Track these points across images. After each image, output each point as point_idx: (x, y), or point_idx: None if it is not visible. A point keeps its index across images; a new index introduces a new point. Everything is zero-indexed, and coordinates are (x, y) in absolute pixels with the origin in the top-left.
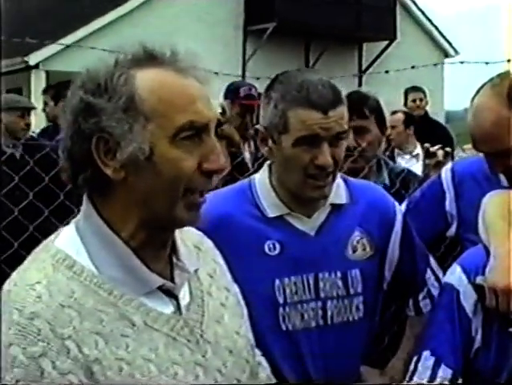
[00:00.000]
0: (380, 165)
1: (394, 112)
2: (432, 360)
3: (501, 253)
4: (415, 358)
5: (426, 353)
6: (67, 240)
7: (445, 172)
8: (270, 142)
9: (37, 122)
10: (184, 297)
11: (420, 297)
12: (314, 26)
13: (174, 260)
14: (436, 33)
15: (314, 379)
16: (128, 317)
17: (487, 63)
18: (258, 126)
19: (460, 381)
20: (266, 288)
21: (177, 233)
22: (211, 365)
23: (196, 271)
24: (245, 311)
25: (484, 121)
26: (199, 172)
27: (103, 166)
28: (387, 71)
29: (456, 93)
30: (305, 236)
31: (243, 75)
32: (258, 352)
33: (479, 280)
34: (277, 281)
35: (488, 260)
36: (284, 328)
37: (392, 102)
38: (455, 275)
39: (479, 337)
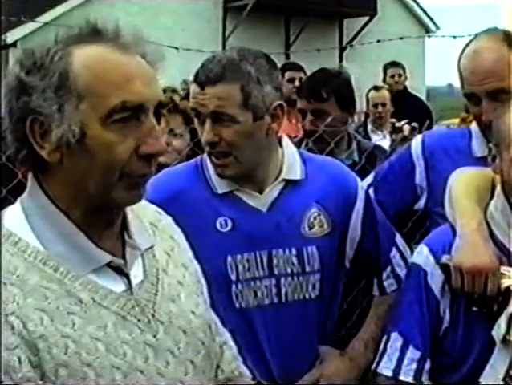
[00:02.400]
0: (350, 142)
1: (376, 88)
2: (400, 341)
3: (466, 233)
4: (384, 339)
5: (395, 334)
6: (12, 217)
7: (415, 144)
8: None
9: None
10: (136, 275)
11: (384, 276)
12: (294, 3)
13: (126, 237)
14: (416, 8)
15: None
16: (75, 294)
17: (454, 37)
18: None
19: (428, 361)
20: (218, 265)
21: (129, 209)
22: (162, 346)
23: (151, 248)
24: (205, 289)
25: (486, 59)
26: (136, 156)
27: (39, 148)
28: (378, 41)
29: (438, 69)
30: (257, 212)
31: None
32: (224, 330)
33: (445, 259)
34: (229, 258)
35: (454, 239)
36: (238, 306)
37: (373, 77)
38: (422, 255)
39: (447, 317)
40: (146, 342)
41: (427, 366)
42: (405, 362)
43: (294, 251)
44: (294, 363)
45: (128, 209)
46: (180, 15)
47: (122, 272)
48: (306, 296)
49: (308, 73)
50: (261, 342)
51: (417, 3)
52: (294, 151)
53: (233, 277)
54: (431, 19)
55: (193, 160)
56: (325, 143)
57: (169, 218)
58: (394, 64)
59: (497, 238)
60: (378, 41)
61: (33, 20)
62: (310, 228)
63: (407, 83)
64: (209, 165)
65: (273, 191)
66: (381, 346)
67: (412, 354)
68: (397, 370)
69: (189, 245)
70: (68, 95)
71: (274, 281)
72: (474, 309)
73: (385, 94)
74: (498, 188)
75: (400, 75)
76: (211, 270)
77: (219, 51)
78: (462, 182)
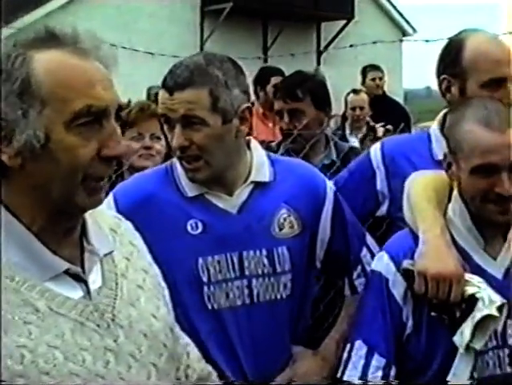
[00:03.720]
0: (327, 143)
1: (355, 91)
2: (364, 349)
3: (430, 238)
4: (348, 347)
5: (359, 342)
6: None
7: (374, 151)
8: None
9: None
10: (95, 280)
11: (355, 275)
12: (272, 6)
13: (84, 244)
14: (393, 12)
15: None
16: (31, 303)
17: (427, 41)
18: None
19: (393, 368)
20: (189, 267)
21: (89, 215)
22: (123, 350)
23: (110, 254)
24: (166, 292)
25: (500, 46)
26: (98, 159)
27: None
28: (351, 45)
29: (415, 71)
30: (227, 214)
31: None
32: (182, 334)
33: (406, 264)
34: (200, 260)
35: (415, 245)
36: (210, 307)
37: (350, 80)
38: (382, 263)
39: (410, 323)
40: (106, 347)
41: (392, 372)
42: (371, 369)
43: (264, 252)
44: (267, 363)
45: (87, 215)
46: (158, 19)
47: (80, 278)
48: (278, 296)
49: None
50: (234, 343)
51: (394, 7)
52: (262, 154)
53: (205, 279)
54: (407, 22)
55: (163, 165)
56: (302, 144)
57: (129, 223)
58: (374, 67)
59: (458, 244)
60: (351, 45)
61: (7, 26)
62: (281, 230)
63: (385, 87)
64: (179, 169)
65: (242, 193)
66: (345, 354)
67: (378, 361)
68: (364, 377)
69: (159, 248)
70: (32, 100)
71: (245, 282)
72: (433, 314)
73: (364, 97)
74: (455, 192)
75: (380, 78)
76: (183, 272)
77: (186, 57)
78: (420, 185)
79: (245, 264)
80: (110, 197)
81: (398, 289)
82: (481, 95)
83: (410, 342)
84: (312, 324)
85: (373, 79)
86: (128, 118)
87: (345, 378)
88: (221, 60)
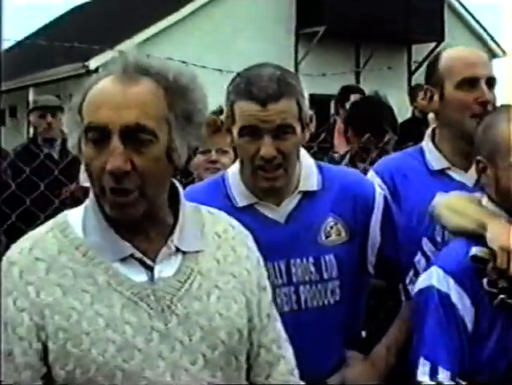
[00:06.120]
0: None
1: None
2: (428, 366)
3: (493, 224)
4: (417, 368)
5: (421, 359)
6: (74, 211)
7: (371, 177)
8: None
9: None
10: (162, 270)
11: (407, 280)
12: (364, 29)
13: (168, 241)
14: (484, 34)
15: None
16: (93, 276)
17: None
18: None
19: (458, 380)
20: None
21: (182, 217)
22: (171, 334)
23: (195, 252)
24: (256, 300)
25: (473, 52)
26: (106, 172)
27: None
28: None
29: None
30: (275, 224)
31: None
32: (288, 346)
33: (477, 251)
34: None
35: (468, 247)
36: None
37: None
38: (439, 278)
39: (473, 328)
40: (153, 327)
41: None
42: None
43: (311, 259)
44: (315, 367)
45: (188, 219)
46: (254, 42)
47: (148, 266)
48: (326, 302)
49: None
50: None
51: (484, 29)
52: (311, 163)
53: None
54: (497, 44)
55: (213, 177)
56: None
57: (245, 234)
58: (423, 87)
59: None
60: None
61: (113, 48)
62: (327, 237)
63: None
64: (231, 181)
65: (290, 203)
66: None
67: (443, 374)
68: None
69: None
70: (80, 115)
71: (292, 288)
72: (503, 297)
73: (431, 116)
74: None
75: None
76: None
77: (260, 68)
78: (454, 198)
79: (293, 271)
80: None
81: (463, 302)
82: (456, 97)
83: (478, 345)
84: (372, 331)
85: (423, 98)
86: None
87: None
88: (290, 71)
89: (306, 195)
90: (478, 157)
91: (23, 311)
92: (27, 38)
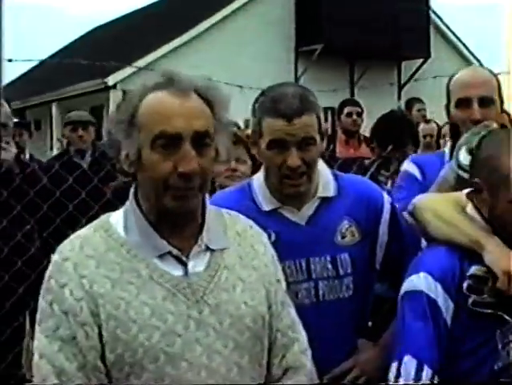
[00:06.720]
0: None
1: (427, 121)
2: (414, 363)
3: (489, 243)
4: (395, 364)
5: (408, 357)
6: (116, 213)
7: (409, 166)
8: (256, 145)
9: None
10: (195, 266)
11: None
12: (358, 47)
13: (199, 239)
14: (465, 50)
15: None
16: (137, 270)
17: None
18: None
19: (436, 377)
20: None
21: (216, 219)
22: (205, 321)
23: (221, 250)
24: (273, 290)
25: (473, 72)
26: (175, 174)
27: (122, 164)
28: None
29: None
30: (297, 226)
31: None
32: (301, 330)
33: (476, 270)
34: None
35: (458, 261)
36: None
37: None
38: (428, 284)
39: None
40: (190, 315)
41: (435, 380)
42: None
43: (328, 258)
44: (333, 353)
45: (212, 220)
46: (257, 59)
47: (183, 262)
48: (341, 296)
49: (370, 108)
50: None
51: (466, 47)
52: (328, 171)
53: None
54: (478, 60)
55: (239, 185)
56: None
57: (260, 233)
58: (418, 100)
59: None
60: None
61: (130, 65)
62: (343, 238)
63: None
64: (257, 187)
65: (310, 207)
66: (393, 372)
67: (427, 373)
68: None
69: None
70: (133, 127)
71: (312, 284)
72: (490, 312)
73: (433, 126)
74: (471, 212)
75: (424, 110)
76: None
77: (282, 87)
78: (443, 202)
79: (312, 268)
80: None
81: (447, 306)
82: (456, 115)
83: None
84: (377, 322)
85: (419, 110)
86: None
87: None
88: (309, 89)
89: (324, 200)
90: (476, 179)
91: (81, 300)
92: (50, 57)
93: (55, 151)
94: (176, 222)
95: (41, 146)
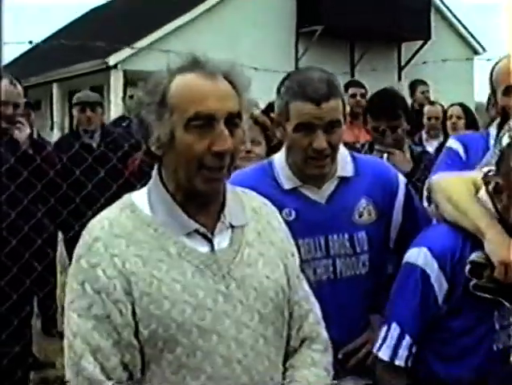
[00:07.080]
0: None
1: (431, 103)
2: (398, 330)
3: (493, 233)
4: (385, 327)
5: (394, 324)
6: (138, 193)
7: (453, 143)
8: (280, 127)
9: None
10: (220, 242)
11: None
12: (358, 29)
13: (221, 216)
14: (465, 33)
15: None
16: (166, 248)
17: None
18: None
19: (414, 347)
20: None
21: (233, 197)
22: (232, 295)
23: (241, 226)
24: (290, 264)
25: None
26: (210, 153)
27: (150, 145)
28: (424, 62)
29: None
30: (316, 204)
31: None
32: (314, 301)
33: (476, 257)
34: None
35: (459, 242)
36: None
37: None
38: (425, 259)
39: (445, 308)
40: (218, 289)
41: (413, 350)
42: (401, 349)
43: (346, 236)
44: (349, 327)
45: (231, 198)
46: (258, 41)
47: (209, 239)
48: (357, 272)
49: (369, 89)
50: (321, 311)
51: (466, 28)
52: (346, 152)
53: None
54: (478, 42)
55: (260, 163)
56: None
57: (274, 210)
58: (421, 82)
59: None
60: (424, 62)
61: (130, 45)
62: (360, 217)
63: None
64: (278, 166)
65: (329, 187)
66: (382, 333)
67: (407, 342)
68: (393, 356)
69: None
70: (165, 109)
71: (330, 261)
72: (487, 296)
73: (438, 108)
74: (482, 193)
75: (428, 91)
76: None
77: (309, 71)
78: (456, 185)
79: (330, 245)
80: None
81: (440, 283)
82: (502, 103)
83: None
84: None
85: (422, 92)
86: None
87: (380, 355)
88: (333, 74)
89: (343, 180)
90: (499, 180)
91: (114, 279)
92: (51, 37)
93: (56, 131)
94: (203, 202)
95: (41, 126)
